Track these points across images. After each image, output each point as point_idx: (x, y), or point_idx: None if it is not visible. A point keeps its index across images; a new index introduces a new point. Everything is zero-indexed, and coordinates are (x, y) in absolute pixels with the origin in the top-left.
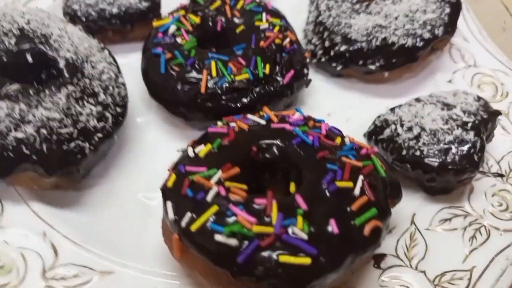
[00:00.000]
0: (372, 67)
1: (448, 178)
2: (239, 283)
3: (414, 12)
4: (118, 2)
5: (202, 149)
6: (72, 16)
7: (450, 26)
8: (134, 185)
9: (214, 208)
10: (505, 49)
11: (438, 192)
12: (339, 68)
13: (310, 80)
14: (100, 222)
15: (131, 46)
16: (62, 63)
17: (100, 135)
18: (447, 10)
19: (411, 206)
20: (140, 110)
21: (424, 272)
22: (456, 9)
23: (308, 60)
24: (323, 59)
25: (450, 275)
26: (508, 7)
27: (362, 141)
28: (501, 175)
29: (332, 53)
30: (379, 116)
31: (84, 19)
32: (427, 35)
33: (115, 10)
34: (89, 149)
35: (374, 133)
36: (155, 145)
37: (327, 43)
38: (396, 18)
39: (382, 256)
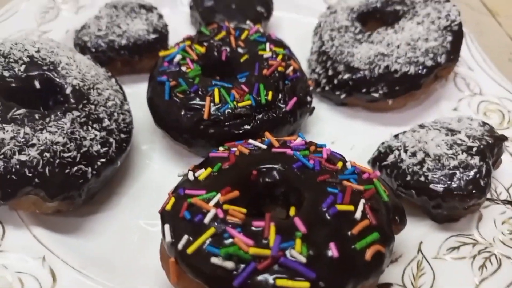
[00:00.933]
0: (376, 94)
1: (454, 204)
2: None
3: (416, 40)
4: (127, 34)
5: (202, 173)
6: (82, 47)
7: (453, 53)
8: (136, 212)
9: (211, 231)
10: (511, 78)
11: (445, 220)
12: (343, 96)
13: (313, 108)
14: (100, 248)
15: (139, 76)
16: (68, 89)
17: (103, 160)
18: (449, 38)
19: (417, 234)
20: (145, 137)
21: None
22: (458, 37)
23: (311, 89)
24: (327, 88)
25: None
26: None
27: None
28: (511, 203)
29: (335, 81)
30: (383, 143)
31: (93, 50)
32: (429, 63)
33: (124, 42)
34: (92, 174)
35: (378, 159)
36: (158, 172)
37: (330, 72)
38: (398, 47)
39: (388, 285)
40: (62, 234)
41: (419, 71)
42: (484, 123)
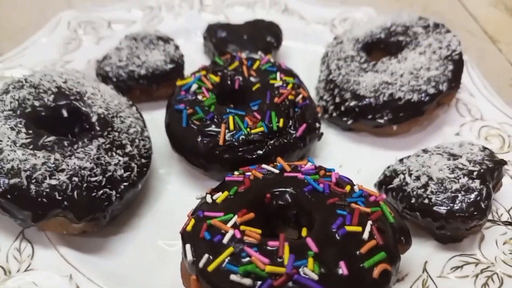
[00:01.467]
0: (381, 121)
1: (457, 225)
2: None
3: (418, 69)
4: (146, 65)
5: (219, 196)
6: (104, 77)
7: (454, 81)
8: (155, 232)
9: (230, 250)
10: None
11: (449, 241)
12: (349, 122)
13: (322, 133)
14: (123, 266)
15: (156, 104)
16: (94, 118)
17: (126, 184)
18: (450, 67)
19: (423, 254)
20: (163, 162)
21: None
22: (459, 66)
23: (320, 115)
24: (334, 114)
25: None
26: None
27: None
28: (511, 224)
29: (342, 108)
30: (388, 167)
31: (115, 79)
32: (431, 91)
33: (143, 72)
34: (115, 197)
35: (384, 183)
36: (175, 194)
37: (337, 99)
38: (401, 75)
39: None
40: (87, 254)
41: (422, 99)
42: (485, 148)
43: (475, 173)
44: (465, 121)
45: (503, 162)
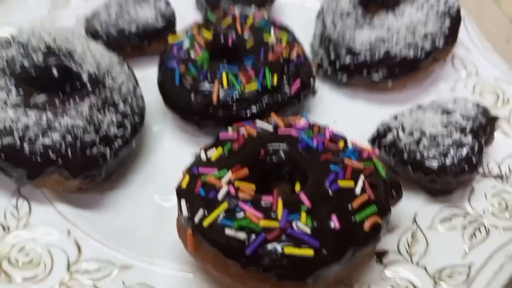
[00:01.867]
0: (376, 77)
1: (448, 179)
2: (247, 274)
3: (415, 25)
4: (136, 22)
5: (213, 153)
6: (94, 35)
7: (451, 37)
8: (150, 188)
9: (225, 205)
10: (509, 58)
11: (439, 193)
12: (344, 78)
13: (316, 90)
14: (120, 222)
15: (148, 59)
16: (85, 77)
17: (120, 141)
18: (447, 23)
19: (413, 207)
20: (156, 119)
21: (424, 267)
22: (456, 21)
23: (314, 72)
24: (329, 71)
25: (449, 270)
26: None
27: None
28: (501, 177)
29: (337, 65)
30: (382, 123)
31: (105, 37)
32: (427, 47)
33: (134, 29)
34: (110, 154)
35: (377, 138)
36: (169, 151)
37: (332, 56)
38: (397, 31)
39: (384, 252)
40: (84, 210)
41: (418, 55)
42: (478, 105)
43: (468, 128)
44: (461, 77)
45: (496, 118)
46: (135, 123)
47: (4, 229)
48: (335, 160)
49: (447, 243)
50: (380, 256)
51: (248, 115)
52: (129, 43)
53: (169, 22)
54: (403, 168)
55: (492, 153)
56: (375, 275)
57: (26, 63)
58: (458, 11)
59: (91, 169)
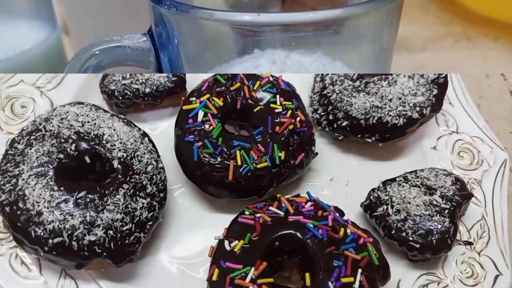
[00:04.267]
0: (369, 140)
1: (427, 255)
2: None
3: (406, 95)
4: (149, 82)
5: (236, 245)
6: (109, 95)
7: (437, 105)
8: (175, 252)
9: None
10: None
11: (419, 260)
12: (340, 137)
13: (317, 153)
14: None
15: (160, 112)
16: (116, 163)
17: (150, 222)
18: (435, 91)
19: (397, 273)
20: (174, 178)
21: None
22: (443, 88)
23: (314, 130)
24: (327, 128)
25: None
26: None
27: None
28: (470, 243)
29: (335, 125)
30: (373, 190)
31: (120, 98)
32: (416, 115)
33: (147, 90)
34: (143, 237)
35: (369, 208)
36: (190, 212)
37: (331, 117)
38: (390, 100)
39: None
40: (121, 282)
41: (406, 123)
42: (457, 180)
43: (446, 211)
44: (442, 134)
45: (470, 196)
46: (160, 200)
47: None
48: (338, 254)
49: None
50: None
51: (259, 187)
52: (143, 102)
53: (180, 80)
54: (390, 240)
55: (464, 219)
56: None
57: (61, 156)
58: (446, 77)
59: (129, 255)
